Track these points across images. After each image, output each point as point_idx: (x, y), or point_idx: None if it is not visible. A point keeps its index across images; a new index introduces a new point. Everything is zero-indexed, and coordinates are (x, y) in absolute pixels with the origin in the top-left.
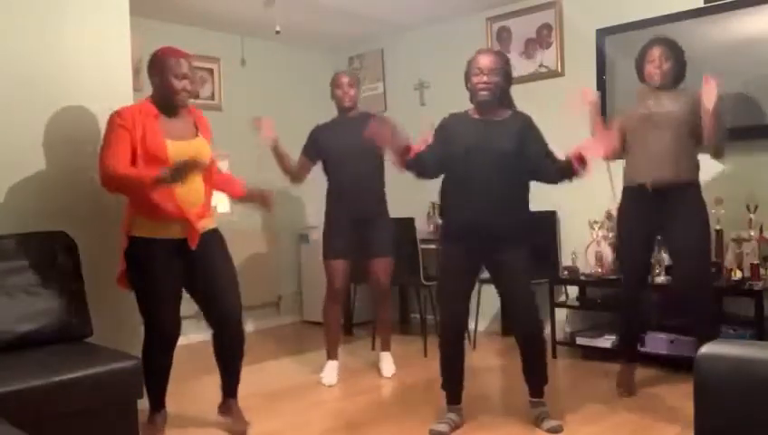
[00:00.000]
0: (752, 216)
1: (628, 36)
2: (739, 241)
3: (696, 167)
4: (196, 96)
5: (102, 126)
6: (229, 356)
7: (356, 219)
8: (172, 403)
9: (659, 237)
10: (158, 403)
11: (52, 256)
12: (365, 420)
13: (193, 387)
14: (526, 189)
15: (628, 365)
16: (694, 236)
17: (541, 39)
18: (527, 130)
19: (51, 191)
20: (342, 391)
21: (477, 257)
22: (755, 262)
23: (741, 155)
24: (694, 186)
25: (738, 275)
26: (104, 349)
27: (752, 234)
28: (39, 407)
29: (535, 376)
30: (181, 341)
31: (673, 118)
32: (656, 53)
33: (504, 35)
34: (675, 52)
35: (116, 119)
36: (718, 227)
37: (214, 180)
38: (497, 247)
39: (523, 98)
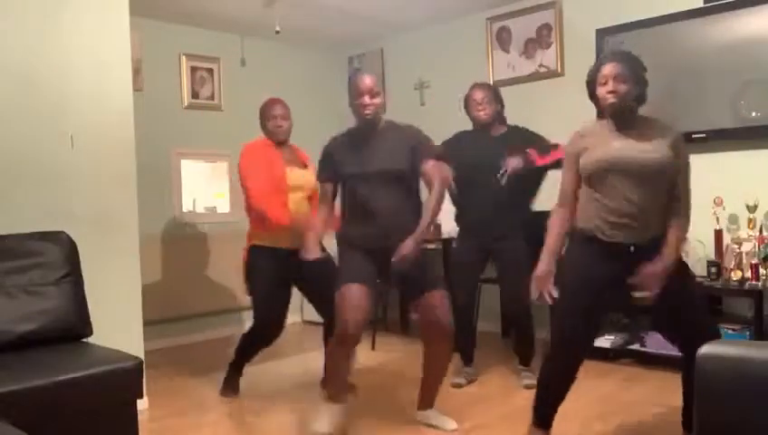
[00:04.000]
0: (752, 216)
1: (628, 36)
2: (739, 241)
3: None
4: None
5: (102, 125)
6: None
7: (381, 248)
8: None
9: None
10: (239, 370)
11: (52, 256)
12: (366, 420)
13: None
14: (525, 191)
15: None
16: (689, 290)
17: (541, 39)
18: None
19: (51, 191)
20: None
21: (485, 252)
22: (755, 262)
23: (741, 155)
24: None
25: (738, 275)
26: (104, 349)
27: (752, 234)
28: (39, 407)
29: (522, 347)
30: None
31: (653, 169)
32: (607, 72)
33: (503, 35)
34: (633, 68)
35: (246, 151)
36: (718, 227)
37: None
38: (500, 242)
39: (523, 98)
